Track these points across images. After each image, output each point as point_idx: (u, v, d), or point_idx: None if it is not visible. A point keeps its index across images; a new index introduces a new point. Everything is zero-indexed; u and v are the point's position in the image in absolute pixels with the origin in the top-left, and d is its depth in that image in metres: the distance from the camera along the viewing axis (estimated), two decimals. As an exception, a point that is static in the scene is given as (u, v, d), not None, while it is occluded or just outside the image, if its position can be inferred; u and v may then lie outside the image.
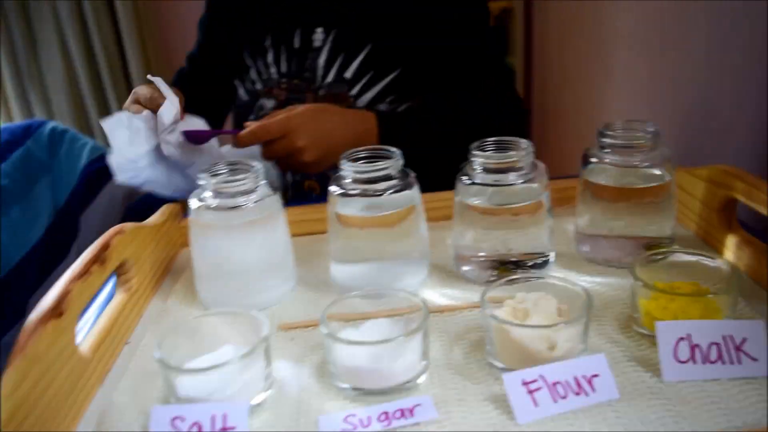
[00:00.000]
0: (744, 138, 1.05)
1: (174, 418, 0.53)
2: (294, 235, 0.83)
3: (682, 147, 1.25)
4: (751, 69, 1.01)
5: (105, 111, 2.57)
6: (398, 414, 0.53)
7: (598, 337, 0.62)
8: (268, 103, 1.21)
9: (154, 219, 0.85)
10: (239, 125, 1.20)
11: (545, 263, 0.75)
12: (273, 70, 1.21)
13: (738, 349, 0.56)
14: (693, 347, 0.56)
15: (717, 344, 0.56)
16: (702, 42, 1.16)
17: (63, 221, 1.84)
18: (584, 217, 0.77)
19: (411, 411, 0.53)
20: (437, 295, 0.73)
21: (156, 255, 0.82)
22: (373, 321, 0.62)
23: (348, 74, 1.16)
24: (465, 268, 0.75)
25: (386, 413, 0.54)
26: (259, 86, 1.22)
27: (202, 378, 0.55)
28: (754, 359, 0.55)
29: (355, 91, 1.16)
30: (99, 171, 1.93)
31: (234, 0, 1.25)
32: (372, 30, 1.15)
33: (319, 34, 1.17)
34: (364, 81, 1.15)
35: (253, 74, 1.23)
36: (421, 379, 0.58)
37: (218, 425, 0.53)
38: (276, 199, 0.74)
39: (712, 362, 0.55)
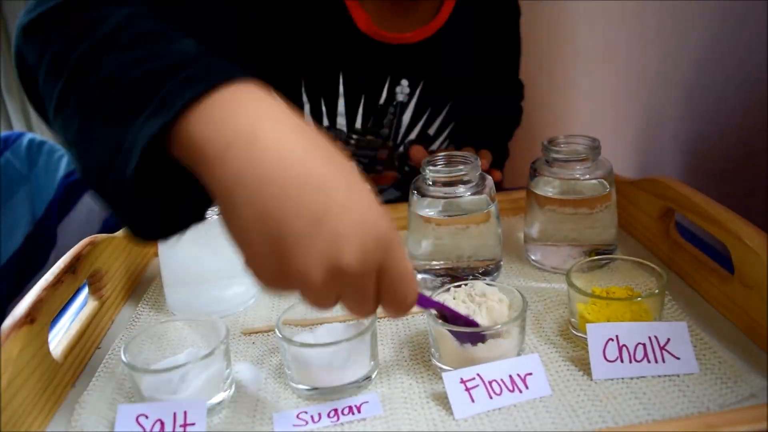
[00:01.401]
0: (693, 148, 1.11)
1: (138, 416, 0.57)
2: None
3: (638, 155, 1.31)
4: (699, 83, 1.07)
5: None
6: (347, 411, 0.58)
7: (538, 338, 0.67)
8: None
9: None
10: None
11: (495, 270, 0.79)
12: (342, 120, 1.00)
13: (662, 348, 0.60)
14: (621, 347, 0.60)
15: (643, 344, 0.60)
16: (653, 56, 1.21)
17: (41, 232, 1.86)
18: (532, 226, 0.82)
19: (359, 408, 0.58)
20: (392, 300, 0.77)
21: (127, 264, 0.86)
22: (327, 325, 0.66)
23: (431, 130, 1.07)
24: (419, 276, 0.80)
25: (336, 410, 0.58)
26: None
27: (164, 378, 0.59)
28: (677, 358, 0.60)
29: (434, 145, 1.10)
30: (76, 182, 1.96)
31: (305, 26, 0.93)
32: (454, 84, 1.06)
33: (404, 87, 1.01)
34: (443, 136, 1.09)
35: (307, 113, 0.98)
36: (370, 379, 0.62)
37: (179, 422, 0.57)
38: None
39: (638, 361, 0.60)
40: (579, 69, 1.63)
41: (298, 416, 0.58)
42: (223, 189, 0.45)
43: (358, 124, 1.01)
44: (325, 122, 0.99)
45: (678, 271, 0.77)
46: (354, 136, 1.02)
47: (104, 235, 0.80)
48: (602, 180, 0.78)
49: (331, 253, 0.43)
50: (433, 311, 0.61)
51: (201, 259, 0.76)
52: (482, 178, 0.76)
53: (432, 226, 0.76)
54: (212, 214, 0.72)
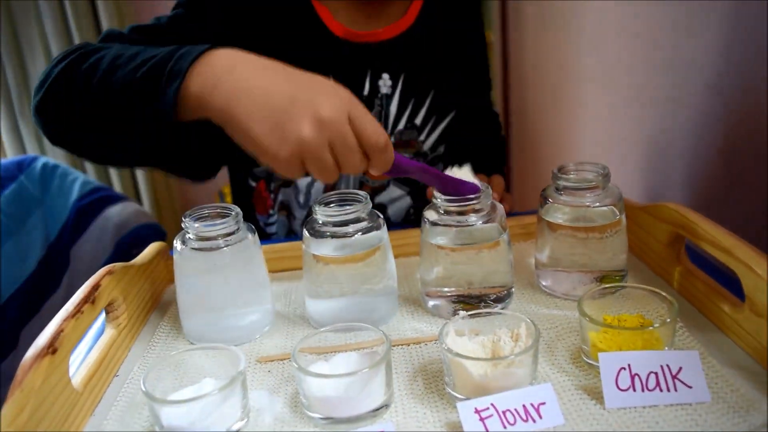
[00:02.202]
0: (702, 172, 1.11)
1: (157, 447, 0.58)
2: (273, 271, 0.89)
3: (646, 178, 1.32)
4: (708, 107, 1.08)
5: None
6: (369, 441, 0.58)
7: (550, 367, 0.68)
8: None
9: (142, 258, 0.90)
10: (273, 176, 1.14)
11: (507, 297, 0.80)
12: None
13: (674, 377, 0.61)
14: (633, 376, 0.61)
15: (655, 373, 0.61)
16: (662, 79, 1.22)
17: (54, 254, 1.89)
18: (542, 252, 0.83)
19: (376, 438, 0.58)
20: (405, 328, 0.78)
21: (144, 292, 0.87)
22: (342, 354, 0.67)
23: (418, 120, 1.13)
24: (431, 302, 0.80)
25: (353, 441, 0.59)
26: None
27: (184, 409, 0.60)
28: (689, 387, 0.61)
29: (422, 136, 1.15)
30: (89, 205, 1.98)
31: (271, 28, 1.04)
32: (435, 75, 1.13)
33: (386, 80, 1.09)
34: (429, 125, 1.14)
35: None
36: (385, 408, 0.63)
37: (198, 453, 0.57)
38: (254, 240, 0.79)
39: (650, 390, 0.61)
40: (587, 92, 1.64)
41: (314, 446, 0.59)
42: (223, 111, 0.68)
43: None
44: None
45: (689, 298, 0.78)
46: None
47: (121, 264, 0.82)
48: (612, 207, 0.78)
49: (311, 111, 0.65)
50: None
51: (216, 288, 0.77)
52: (493, 207, 0.77)
53: (444, 253, 0.77)
54: (226, 243, 0.74)
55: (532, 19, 2.03)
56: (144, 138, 0.78)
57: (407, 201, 1.18)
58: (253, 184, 1.16)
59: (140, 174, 2.73)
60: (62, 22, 2.35)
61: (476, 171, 0.84)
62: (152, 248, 0.93)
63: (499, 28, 2.32)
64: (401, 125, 1.12)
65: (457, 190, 0.76)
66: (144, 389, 0.61)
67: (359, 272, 0.77)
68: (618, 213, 0.79)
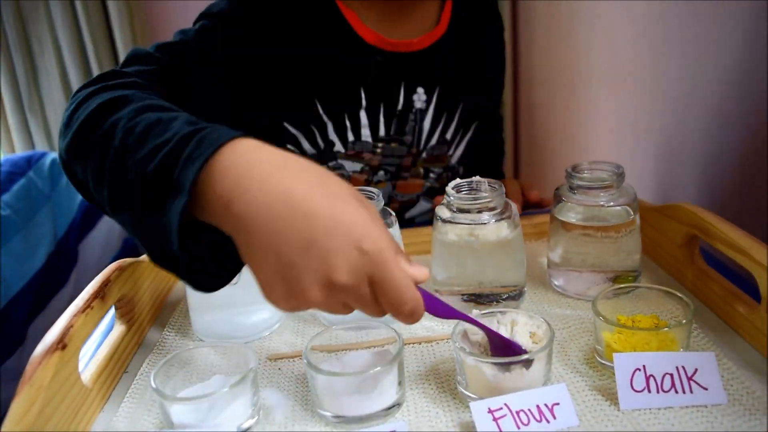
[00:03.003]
0: (715, 172, 1.11)
1: (168, 444, 0.58)
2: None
3: (659, 178, 1.31)
4: (721, 107, 1.07)
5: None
6: (378, 440, 0.58)
7: (564, 367, 0.67)
8: (352, 166, 1.05)
9: (151, 253, 0.90)
10: None
11: (519, 296, 0.80)
12: (366, 132, 1.03)
13: (690, 379, 0.60)
14: (648, 377, 0.60)
15: (670, 375, 0.60)
16: (675, 79, 1.22)
17: (63, 250, 1.89)
18: (555, 252, 0.82)
19: (387, 437, 0.58)
20: (417, 327, 0.77)
21: (153, 288, 0.86)
22: (354, 352, 0.67)
23: (448, 134, 1.10)
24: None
25: (368, 440, 0.58)
26: (339, 147, 1.03)
27: (193, 406, 0.60)
28: (705, 388, 0.60)
29: (451, 150, 1.12)
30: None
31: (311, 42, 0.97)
32: (464, 88, 1.10)
33: (420, 95, 1.05)
34: (457, 139, 1.12)
35: (331, 132, 1.01)
36: (398, 407, 0.62)
37: (208, 450, 0.57)
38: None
39: (665, 391, 0.60)
40: (598, 91, 1.63)
41: (328, 445, 0.58)
42: (234, 234, 0.54)
43: (381, 132, 1.04)
44: (351, 137, 1.02)
45: (704, 299, 0.77)
46: (379, 145, 1.05)
47: (130, 260, 0.81)
48: (626, 207, 0.78)
49: (322, 273, 0.51)
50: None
51: (225, 288, 0.76)
52: (507, 205, 0.77)
53: (455, 251, 0.76)
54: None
55: (543, 18, 2.02)
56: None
57: None
58: None
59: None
60: (72, 19, 2.35)
61: (481, 172, 0.83)
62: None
63: (510, 27, 2.31)
64: (433, 141, 1.09)
65: (496, 347, 0.65)
66: (154, 386, 0.60)
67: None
68: (632, 213, 0.78)
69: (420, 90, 1.04)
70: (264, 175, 0.53)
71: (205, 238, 0.57)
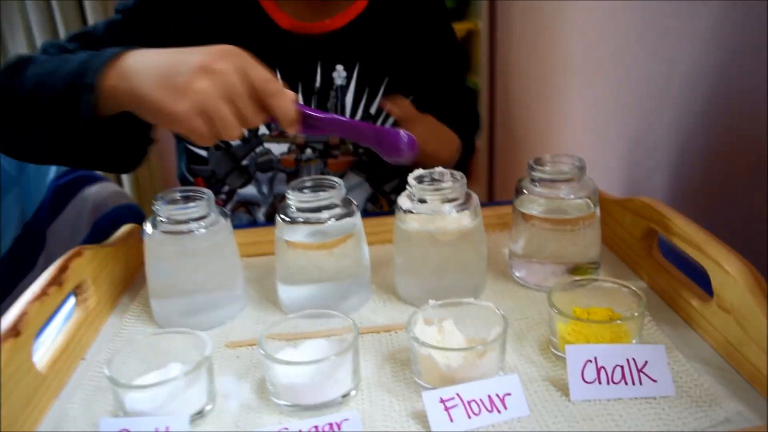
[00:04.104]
0: (683, 166, 1.12)
1: (121, 431, 0.58)
2: (246, 255, 0.88)
3: (627, 170, 1.32)
4: (691, 102, 1.08)
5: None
6: (327, 428, 0.58)
7: (519, 358, 0.68)
8: (279, 148, 1.09)
9: (114, 239, 0.89)
10: (221, 171, 1.11)
11: (480, 286, 0.80)
12: None
13: (640, 371, 0.61)
14: (599, 369, 0.61)
15: (621, 366, 0.61)
16: (645, 72, 1.23)
17: (30, 234, 1.86)
18: (517, 243, 0.83)
19: (339, 425, 0.58)
20: (377, 315, 0.78)
21: (114, 274, 0.86)
22: (310, 341, 0.67)
23: (372, 109, 1.11)
24: (405, 290, 0.80)
25: (316, 427, 0.58)
26: (262, 129, 1.08)
27: (148, 393, 0.60)
28: (654, 380, 0.61)
29: (378, 125, 1.11)
30: (67, 185, 1.96)
31: (216, 25, 1.03)
32: (388, 63, 1.11)
33: (340, 71, 1.08)
34: (383, 115, 1.12)
35: None
36: (352, 396, 0.63)
37: (161, 437, 0.57)
38: (226, 224, 0.79)
39: (615, 383, 0.61)
40: (572, 84, 1.64)
41: (279, 433, 0.58)
42: (129, 93, 0.74)
43: None
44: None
45: (659, 292, 0.78)
46: None
47: (92, 246, 0.81)
48: (587, 199, 0.78)
49: (200, 66, 0.71)
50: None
51: (187, 272, 0.76)
52: (468, 196, 0.77)
53: (416, 241, 0.76)
54: (198, 227, 0.73)
55: (520, 11, 2.03)
56: (68, 138, 0.82)
57: (366, 189, 1.17)
58: (191, 178, 1.14)
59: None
60: (48, 18, 2.32)
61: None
62: (125, 230, 0.92)
63: (487, 19, 2.31)
64: (358, 116, 1.11)
65: (380, 142, 0.81)
66: (108, 374, 0.60)
67: (332, 259, 0.77)
68: (592, 206, 0.79)
69: (339, 67, 1.08)
70: (147, 54, 0.76)
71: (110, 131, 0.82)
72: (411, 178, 0.77)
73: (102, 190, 2.03)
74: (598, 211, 0.80)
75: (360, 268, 0.79)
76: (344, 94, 1.09)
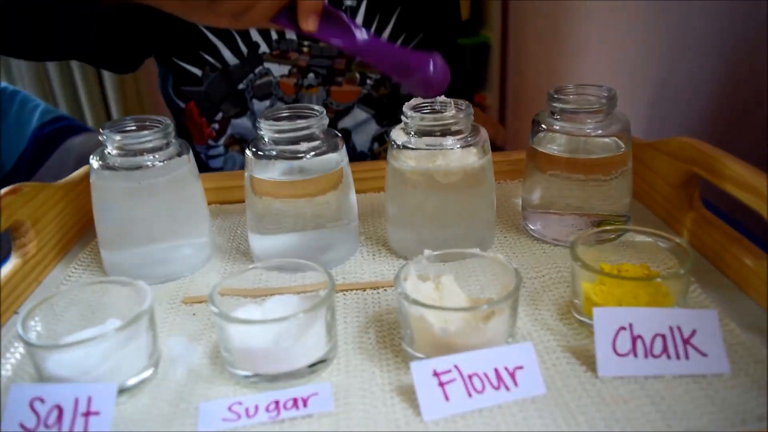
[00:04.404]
0: (709, 115, 0.98)
1: (33, 399, 0.46)
2: (220, 202, 0.76)
3: (650, 123, 1.19)
4: (712, 51, 0.94)
5: (68, 77, 2.49)
6: (290, 404, 0.46)
7: (533, 323, 0.55)
8: (279, 69, 0.98)
9: (67, 179, 0.77)
10: (216, 95, 1.00)
11: (488, 239, 0.68)
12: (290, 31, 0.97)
13: (686, 342, 0.49)
14: (635, 338, 0.49)
15: (662, 336, 0.49)
16: (670, 17, 1.09)
17: (11, 184, 1.75)
18: (532, 191, 0.70)
19: (305, 401, 0.46)
20: (365, 271, 0.66)
21: (64, 218, 0.74)
22: (279, 297, 0.55)
23: (383, 37, 1.00)
24: (398, 243, 0.68)
25: (277, 402, 0.46)
26: (263, 47, 0.97)
27: (70, 355, 0.48)
28: (704, 354, 0.48)
29: None
30: (50, 135, 1.85)
31: None
32: None
33: None
34: (398, 45, 1.00)
35: (254, 33, 0.96)
36: (325, 364, 0.51)
37: (81, 409, 0.45)
38: (189, 159, 0.66)
39: (655, 356, 0.48)
40: (591, 26, 1.50)
41: (230, 408, 0.46)
42: None
43: None
44: (274, 35, 0.95)
45: (703, 251, 0.65)
46: (305, 43, 0.97)
47: (34, 184, 0.69)
48: (617, 138, 0.66)
49: None
50: None
51: (141, 215, 0.64)
52: (476, 130, 0.64)
53: (411, 183, 0.64)
54: (153, 160, 0.61)
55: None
56: (69, 27, 0.78)
57: (373, 126, 1.05)
58: (182, 104, 1.02)
59: (113, 104, 2.57)
60: None
61: None
62: (84, 169, 0.80)
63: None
64: None
65: (406, 65, 0.68)
66: (20, 331, 0.48)
67: (312, 202, 0.64)
68: (623, 145, 0.66)
69: None
70: None
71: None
72: (407, 107, 0.64)
73: (87, 141, 1.90)
74: (630, 153, 0.67)
75: (345, 214, 0.67)
76: (353, 17, 0.97)
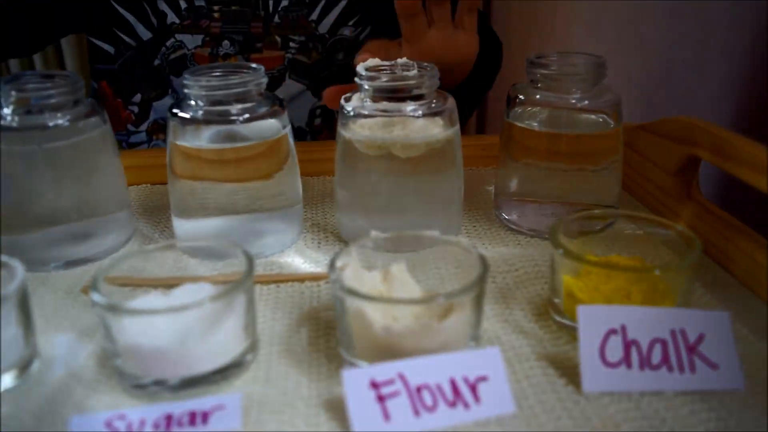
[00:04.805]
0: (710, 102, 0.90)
1: None
2: (151, 182, 0.67)
3: (645, 98, 1.10)
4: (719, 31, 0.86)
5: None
6: (186, 419, 0.36)
7: (502, 325, 0.45)
8: (193, 40, 0.88)
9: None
10: (131, 73, 0.90)
11: (454, 229, 0.58)
12: None
13: (692, 349, 0.39)
14: (628, 344, 0.39)
15: (663, 341, 0.39)
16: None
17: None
18: (507, 175, 0.60)
19: (205, 416, 0.36)
20: (305, 260, 0.55)
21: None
22: (190, 285, 0.44)
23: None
24: (348, 230, 0.58)
25: (169, 417, 0.36)
26: (172, 17, 0.86)
27: None
28: (714, 366, 0.39)
29: (315, 15, 0.90)
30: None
31: None
32: None
33: None
34: (323, 3, 0.90)
35: (161, 2, 0.86)
36: (239, 369, 0.40)
37: None
38: (103, 121, 0.56)
39: (653, 368, 0.39)
40: (579, 17, 1.41)
41: (108, 423, 0.36)
42: None
43: None
44: (183, 3, 0.85)
45: (705, 246, 0.55)
46: (215, 8, 0.86)
47: None
48: (605, 115, 0.56)
49: None
50: None
51: (42, 189, 0.54)
52: (442, 97, 0.55)
53: (365, 159, 0.54)
54: (56, 119, 0.51)
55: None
56: None
57: (310, 98, 0.94)
58: (94, 83, 0.92)
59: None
60: None
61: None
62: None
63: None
64: (285, 1, 0.88)
65: None
66: None
67: (246, 178, 0.54)
68: (612, 122, 0.56)
69: None
70: None
71: None
72: (361, 67, 0.54)
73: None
74: (620, 132, 0.57)
75: (285, 192, 0.57)
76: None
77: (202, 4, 0.86)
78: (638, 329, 0.39)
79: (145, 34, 0.86)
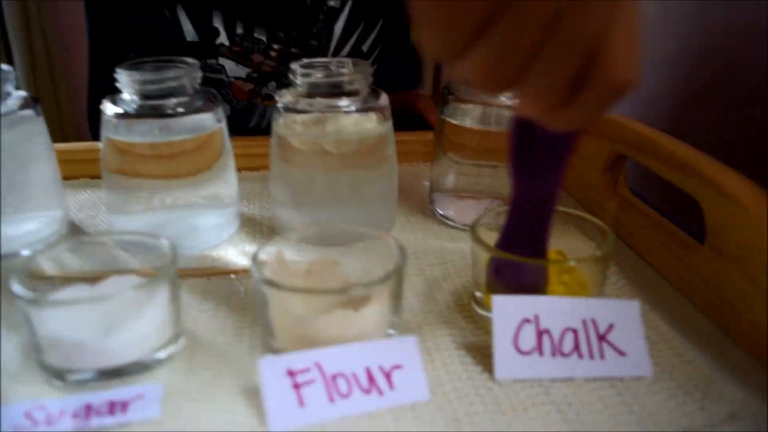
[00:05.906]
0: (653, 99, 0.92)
1: None
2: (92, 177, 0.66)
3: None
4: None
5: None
6: (105, 408, 0.36)
7: (425, 316, 0.47)
8: (236, 70, 0.82)
9: None
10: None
11: (387, 225, 0.59)
12: (261, 29, 0.81)
13: (602, 338, 0.41)
14: (540, 333, 0.40)
15: (574, 330, 0.40)
16: None
17: None
18: (440, 171, 0.62)
19: (125, 405, 0.36)
20: (239, 253, 0.56)
21: None
22: (117, 278, 0.44)
23: (365, 47, 0.86)
24: (284, 224, 0.59)
25: (88, 407, 0.36)
26: (222, 37, 0.80)
27: None
28: (622, 353, 0.40)
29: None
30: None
31: None
32: (385, 2, 0.85)
33: None
34: (374, 56, 0.88)
35: (216, 19, 0.79)
36: (162, 361, 0.41)
37: None
38: (35, 113, 0.56)
39: (564, 355, 0.40)
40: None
41: (27, 414, 0.36)
42: None
43: (280, 30, 0.80)
44: (239, 29, 0.79)
45: (627, 239, 0.58)
46: (275, 47, 0.81)
47: None
48: (537, 110, 0.57)
49: None
50: None
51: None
52: (376, 93, 0.56)
53: (298, 155, 0.55)
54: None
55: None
56: None
57: None
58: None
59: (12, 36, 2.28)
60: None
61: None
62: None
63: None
64: (346, 50, 0.84)
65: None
66: None
67: (181, 173, 0.54)
68: (544, 119, 0.58)
69: None
70: None
71: None
72: (297, 64, 0.55)
73: None
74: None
75: (220, 187, 0.57)
76: (334, 20, 0.82)
77: (263, 37, 0.81)
78: (550, 318, 0.40)
79: (191, 33, 0.80)
